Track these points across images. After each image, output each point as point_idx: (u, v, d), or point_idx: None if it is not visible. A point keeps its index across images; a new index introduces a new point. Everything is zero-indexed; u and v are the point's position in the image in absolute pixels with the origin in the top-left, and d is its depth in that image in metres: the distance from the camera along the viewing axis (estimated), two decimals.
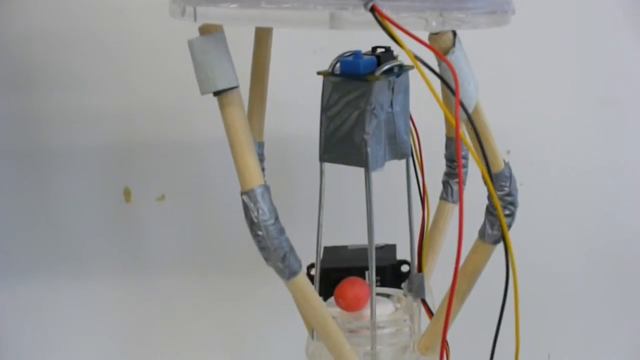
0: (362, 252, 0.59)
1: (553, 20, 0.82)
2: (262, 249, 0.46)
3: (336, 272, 0.60)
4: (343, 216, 0.72)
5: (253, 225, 0.45)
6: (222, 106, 0.46)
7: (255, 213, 0.45)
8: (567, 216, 0.87)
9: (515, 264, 0.46)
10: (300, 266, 0.48)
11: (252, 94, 0.54)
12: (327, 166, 0.52)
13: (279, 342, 0.85)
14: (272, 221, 0.45)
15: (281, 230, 0.46)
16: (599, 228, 0.88)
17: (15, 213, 0.84)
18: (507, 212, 0.51)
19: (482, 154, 0.45)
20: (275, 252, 0.45)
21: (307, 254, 0.59)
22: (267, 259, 0.46)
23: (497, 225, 0.50)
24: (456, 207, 0.62)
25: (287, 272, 0.46)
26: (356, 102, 0.48)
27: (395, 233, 0.60)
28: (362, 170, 0.50)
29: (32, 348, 0.88)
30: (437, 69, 0.45)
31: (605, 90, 0.86)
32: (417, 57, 0.42)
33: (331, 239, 0.61)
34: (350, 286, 0.54)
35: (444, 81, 0.44)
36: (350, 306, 0.54)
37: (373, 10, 0.41)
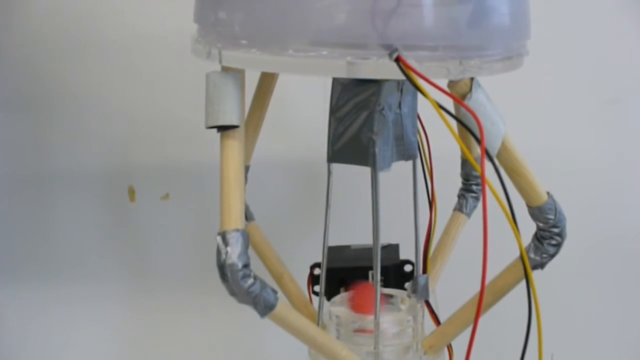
0: (366, 251, 0.60)
1: (554, 20, 0.82)
2: (231, 294, 0.45)
3: (340, 272, 0.61)
4: (347, 216, 0.72)
5: (221, 267, 0.44)
6: (222, 141, 0.47)
7: (224, 256, 0.44)
8: (570, 217, 0.87)
9: (536, 292, 0.46)
10: (276, 298, 0.46)
11: (249, 118, 0.55)
12: (335, 166, 0.52)
13: (280, 342, 0.85)
14: (239, 266, 0.44)
15: (248, 277, 0.44)
16: (602, 228, 0.88)
17: (18, 213, 0.84)
18: (554, 242, 0.52)
19: (510, 212, 0.44)
20: (245, 297, 0.45)
21: (312, 253, 0.59)
22: (239, 301, 0.45)
23: (540, 252, 0.52)
24: (468, 220, 0.63)
25: (263, 309, 0.45)
26: (365, 102, 0.49)
27: (400, 234, 0.60)
28: (369, 170, 0.50)
29: (36, 350, 0.88)
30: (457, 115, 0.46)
31: (607, 90, 0.86)
32: (441, 106, 0.42)
33: (335, 239, 0.61)
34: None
35: (466, 127, 0.44)
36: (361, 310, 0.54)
37: (398, 60, 0.41)
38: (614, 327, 0.92)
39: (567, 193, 0.86)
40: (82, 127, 0.83)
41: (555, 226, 0.51)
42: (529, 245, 0.52)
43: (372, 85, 0.48)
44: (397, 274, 0.62)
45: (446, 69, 0.43)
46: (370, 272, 0.57)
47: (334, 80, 0.50)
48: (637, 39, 0.85)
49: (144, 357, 0.89)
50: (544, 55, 0.83)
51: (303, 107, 0.79)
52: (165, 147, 0.83)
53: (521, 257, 0.45)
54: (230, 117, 0.46)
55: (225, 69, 0.46)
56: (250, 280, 0.44)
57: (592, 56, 0.85)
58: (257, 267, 0.48)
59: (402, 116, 0.51)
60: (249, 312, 0.89)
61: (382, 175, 0.51)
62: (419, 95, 0.42)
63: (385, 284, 0.60)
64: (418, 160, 0.55)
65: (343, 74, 0.43)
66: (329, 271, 0.59)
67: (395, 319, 0.55)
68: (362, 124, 0.49)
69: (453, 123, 0.43)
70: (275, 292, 0.46)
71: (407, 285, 0.59)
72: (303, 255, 0.62)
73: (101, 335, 0.88)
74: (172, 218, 0.85)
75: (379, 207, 0.51)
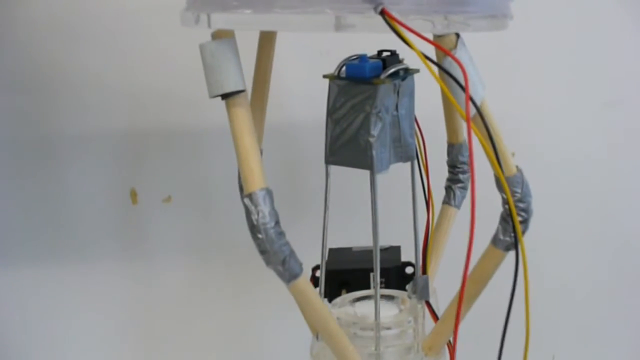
0: (366, 253, 0.60)
1: (554, 20, 0.82)
2: (262, 252, 0.46)
3: (341, 274, 0.61)
4: (348, 218, 0.72)
5: (253, 228, 0.45)
6: (229, 109, 0.47)
7: (256, 216, 0.45)
8: (569, 216, 0.88)
9: (527, 269, 0.47)
10: (301, 269, 0.47)
11: (253, 101, 0.55)
12: (333, 168, 0.52)
13: (283, 342, 0.86)
14: (272, 224, 0.45)
15: (281, 234, 0.46)
16: (602, 228, 0.88)
17: (21, 208, 0.85)
18: (520, 219, 0.50)
19: (494, 152, 0.46)
20: (275, 256, 0.46)
21: (312, 256, 0.59)
22: (267, 262, 0.46)
23: (509, 231, 0.50)
24: (458, 212, 0.62)
25: (287, 275, 0.46)
26: (362, 105, 0.49)
27: (400, 235, 0.60)
28: (367, 172, 0.50)
29: (36, 339, 0.89)
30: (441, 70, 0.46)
31: (607, 91, 0.86)
32: (425, 56, 0.43)
33: (336, 241, 0.62)
34: None
35: (452, 76, 0.44)
36: None
37: (383, 13, 0.41)
38: (617, 328, 0.92)
39: (570, 193, 0.87)
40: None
41: (521, 201, 0.50)
42: (497, 228, 0.51)
43: (369, 87, 0.48)
44: (398, 276, 0.62)
45: (431, 23, 0.44)
46: (371, 274, 0.57)
47: (331, 82, 0.50)
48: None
49: (143, 352, 0.89)
50: (544, 55, 0.84)
51: (301, 108, 0.79)
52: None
53: (514, 232, 0.46)
54: (234, 83, 0.46)
55: (216, 37, 0.46)
56: (284, 239, 0.46)
57: (592, 57, 0.85)
58: None
59: (399, 118, 0.51)
60: (251, 312, 0.90)
61: (380, 177, 0.51)
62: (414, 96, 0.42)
63: (387, 286, 0.60)
64: (416, 162, 0.55)
65: (330, 29, 0.43)
66: (330, 273, 0.59)
67: (396, 320, 0.55)
68: (359, 126, 0.49)
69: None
70: (301, 263, 0.47)
71: (407, 286, 0.59)
72: (305, 257, 0.62)
73: (102, 330, 0.89)
74: (175, 218, 0.85)
75: (377, 209, 0.51)
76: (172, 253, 0.86)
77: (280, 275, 0.47)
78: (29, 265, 0.86)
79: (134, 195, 0.85)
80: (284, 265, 0.46)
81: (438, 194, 0.62)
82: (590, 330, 0.92)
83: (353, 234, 0.63)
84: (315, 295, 0.49)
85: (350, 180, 0.58)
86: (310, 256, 0.61)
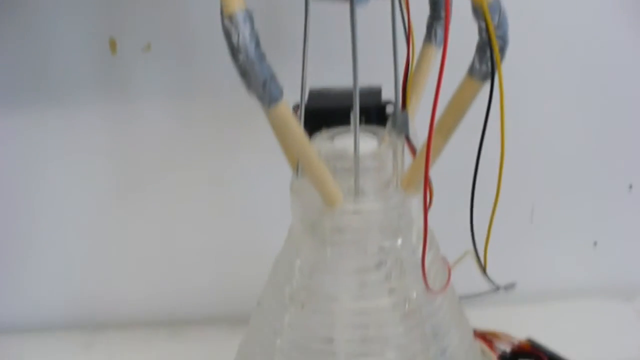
0: (347, 94, 0.59)
1: None
2: (243, 74, 0.46)
3: (321, 113, 0.61)
4: (329, 58, 0.72)
5: (234, 50, 0.45)
6: None
7: (236, 37, 0.44)
8: (555, 57, 0.87)
9: (504, 97, 0.47)
10: (282, 94, 0.48)
11: None
12: (313, 7, 0.51)
13: (266, 184, 0.87)
14: (252, 45, 0.45)
15: (262, 56, 0.46)
16: (587, 72, 0.88)
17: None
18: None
19: None
20: (255, 78, 0.46)
21: (292, 96, 0.59)
22: (248, 86, 0.46)
23: (486, 60, 0.50)
24: (439, 51, 0.61)
25: (268, 98, 0.47)
26: None
27: (381, 74, 0.60)
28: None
29: (20, 181, 0.90)
30: None
31: None
32: None
33: (317, 82, 0.61)
34: None
35: None
36: None
37: None
38: (597, 177, 0.93)
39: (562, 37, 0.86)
40: None
41: (498, 27, 0.49)
42: (474, 56, 0.50)
43: None
44: (379, 116, 0.62)
45: None
46: (351, 113, 0.57)
47: None
48: None
49: (126, 193, 0.91)
50: None
51: None
52: None
53: (491, 58, 0.46)
54: None
55: None
56: (265, 62, 0.46)
57: None
58: None
59: None
60: (234, 159, 0.90)
61: (361, 16, 0.50)
62: None
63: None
64: None
65: None
66: (310, 112, 0.59)
67: (375, 152, 0.55)
68: None
69: None
70: (281, 88, 0.48)
71: (387, 123, 0.59)
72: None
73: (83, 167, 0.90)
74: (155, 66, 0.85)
75: (356, 43, 0.50)
76: (155, 98, 0.85)
77: (261, 98, 0.47)
78: (10, 114, 0.86)
79: (113, 44, 0.83)
80: (264, 88, 0.46)
81: (420, 33, 0.61)
82: (572, 181, 0.93)
83: (333, 75, 0.63)
84: (294, 121, 0.50)
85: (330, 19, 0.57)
86: (290, 96, 0.61)
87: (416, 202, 0.56)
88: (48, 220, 0.92)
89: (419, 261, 0.53)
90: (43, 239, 0.93)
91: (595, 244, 0.96)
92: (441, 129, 0.52)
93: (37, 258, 0.93)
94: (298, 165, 0.57)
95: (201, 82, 0.84)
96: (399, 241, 0.55)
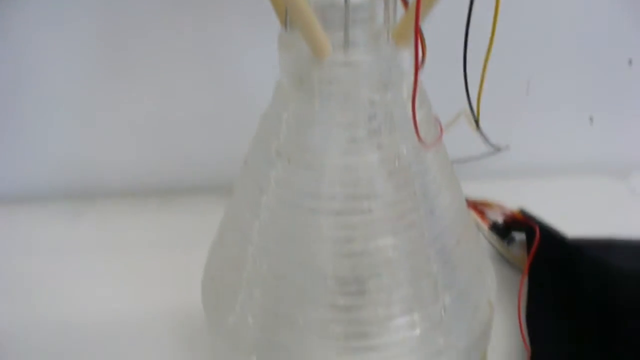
0: None
1: None
2: None
3: None
4: None
5: None
6: None
7: None
8: None
9: None
10: None
11: None
12: None
13: (254, 54, 0.85)
14: None
15: None
16: None
17: None
18: None
19: None
20: None
21: None
22: None
23: None
24: None
25: None
26: None
27: None
28: None
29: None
30: None
31: None
32: None
33: None
34: None
35: None
36: None
37: None
38: (592, 58, 0.91)
39: None
40: None
41: None
42: None
43: None
44: None
45: None
46: None
47: None
48: None
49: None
50: None
51: None
52: None
53: None
54: None
55: None
56: None
57: None
58: None
59: None
60: (219, 29, 0.87)
61: None
62: None
63: None
64: None
65: None
66: None
67: (365, 1, 0.52)
68: None
69: None
70: None
71: None
72: None
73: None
74: None
75: None
76: None
77: None
78: None
79: None
80: None
81: None
82: (570, 54, 0.91)
83: None
84: None
85: None
86: None
87: (408, 57, 0.54)
88: (34, 87, 0.90)
89: (410, 117, 0.51)
90: (28, 107, 0.91)
91: (591, 119, 0.95)
92: None
93: (22, 126, 0.92)
94: (286, 18, 0.55)
95: None
96: (389, 95, 0.53)
